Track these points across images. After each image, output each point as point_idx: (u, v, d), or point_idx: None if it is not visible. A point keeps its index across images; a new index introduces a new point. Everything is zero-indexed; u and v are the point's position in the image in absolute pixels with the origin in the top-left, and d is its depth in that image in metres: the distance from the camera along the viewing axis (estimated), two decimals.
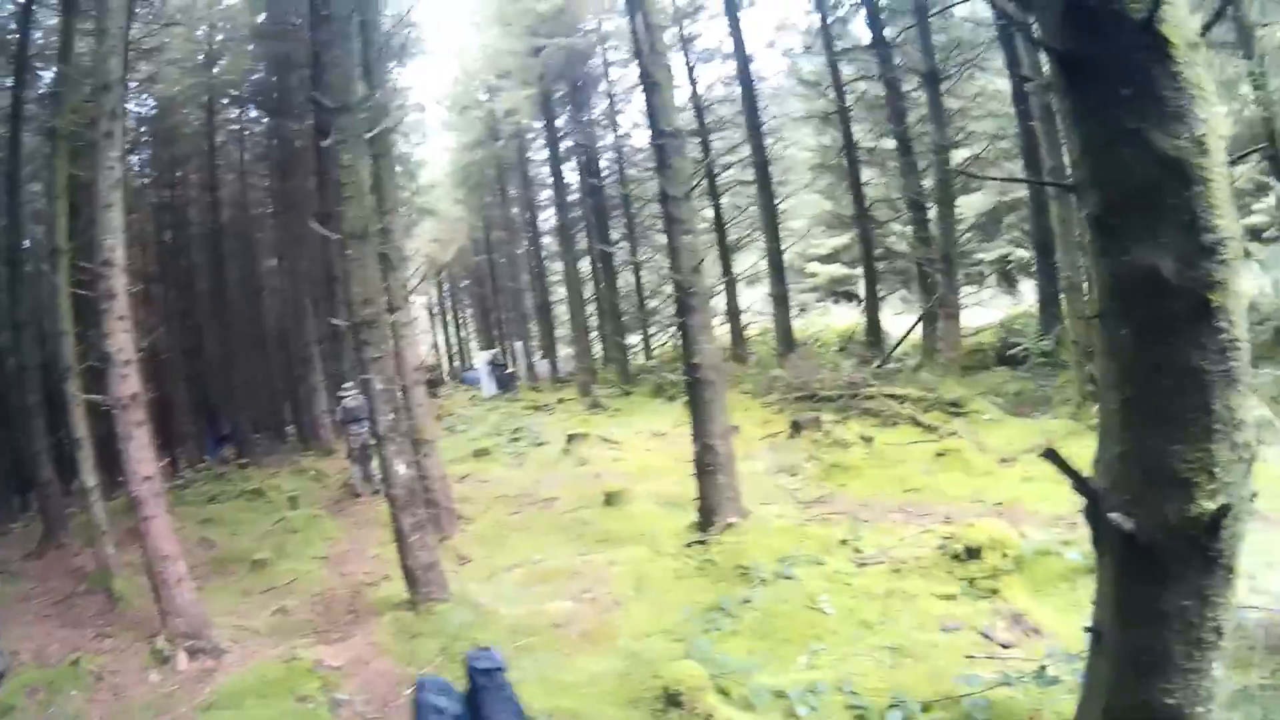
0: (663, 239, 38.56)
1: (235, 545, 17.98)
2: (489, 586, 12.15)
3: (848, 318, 37.03)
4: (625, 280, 42.04)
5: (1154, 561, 3.23)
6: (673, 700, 7.02)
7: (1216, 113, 3.08)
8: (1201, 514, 3.08)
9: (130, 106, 30.11)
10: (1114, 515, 3.25)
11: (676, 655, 7.97)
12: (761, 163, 31.30)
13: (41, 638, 13.00)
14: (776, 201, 32.02)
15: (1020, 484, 12.47)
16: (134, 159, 33.26)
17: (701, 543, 11.21)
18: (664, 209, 11.97)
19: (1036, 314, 24.10)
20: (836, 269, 42.29)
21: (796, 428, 17.76)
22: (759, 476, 15.82)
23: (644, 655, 8.31)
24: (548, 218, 46.76)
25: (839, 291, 43.10)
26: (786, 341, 29.93)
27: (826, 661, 7.55)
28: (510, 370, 47.02)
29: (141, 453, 11.30)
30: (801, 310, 38.60)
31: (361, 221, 10.76)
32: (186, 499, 23.27)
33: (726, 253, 34.52)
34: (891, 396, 18.75)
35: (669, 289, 40.66)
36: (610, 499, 15.52)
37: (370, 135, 11.71)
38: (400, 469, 11.09)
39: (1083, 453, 10.51)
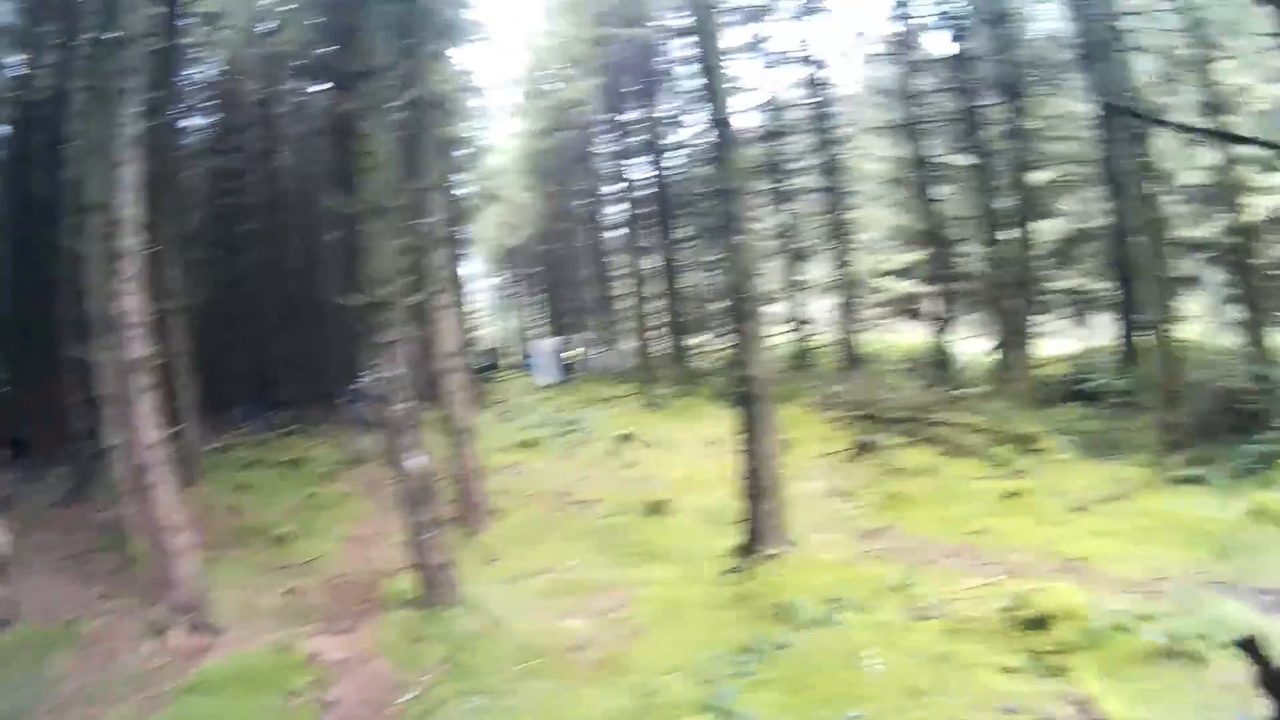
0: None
1: (262, 516, 17.76)
2: (508, 592, 11.61)
3: (914, 337, 36.31)
4: (691, 280, 41.53)
5: None
6: None
7: None
8: None
9: (190, 71, 30.20)
10: None
11: (695, 701, 7.36)
12: (832, 171, 30.69)
13: (50, 592, 12.98)
14: (846, 212, 31.26)
15: (1092, 538, 11.40)
16: (193, 122, 33.39)
17: (741, 571, 10.50)
18: (720, 204, 11.21)
19: (1113, 350, 23.10)
20: (906, 286, 41.52)
21: (858, 449, 17.01)
22: (814, 499, 14.99)
23: (659, 697, 7.65)
24: (616, 211, 46.40)
25: (907, 309, 42.30)
26: (851, 357, 29.33)
27: None
28: (571, 361, 46.82)
29: (147, 418, 11.00)
30: (869, 326, 37.96)
31: (382, 194, 10.24)
32: (223, 464, 23.21)
33: (795, 261, 33.72)
34: (959, 425, 17.83)
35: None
36: (653, 508, 15.06)
37: (395, 105, 11.00)
38: (413, 462, 10.56)
39: (1159, 507, 9.61)
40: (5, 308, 27.29)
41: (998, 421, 17.96)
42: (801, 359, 32.21)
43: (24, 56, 26.07)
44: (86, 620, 11.41)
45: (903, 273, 36.11)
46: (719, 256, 30.04)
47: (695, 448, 21.05)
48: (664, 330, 40.11)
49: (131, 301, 10.89)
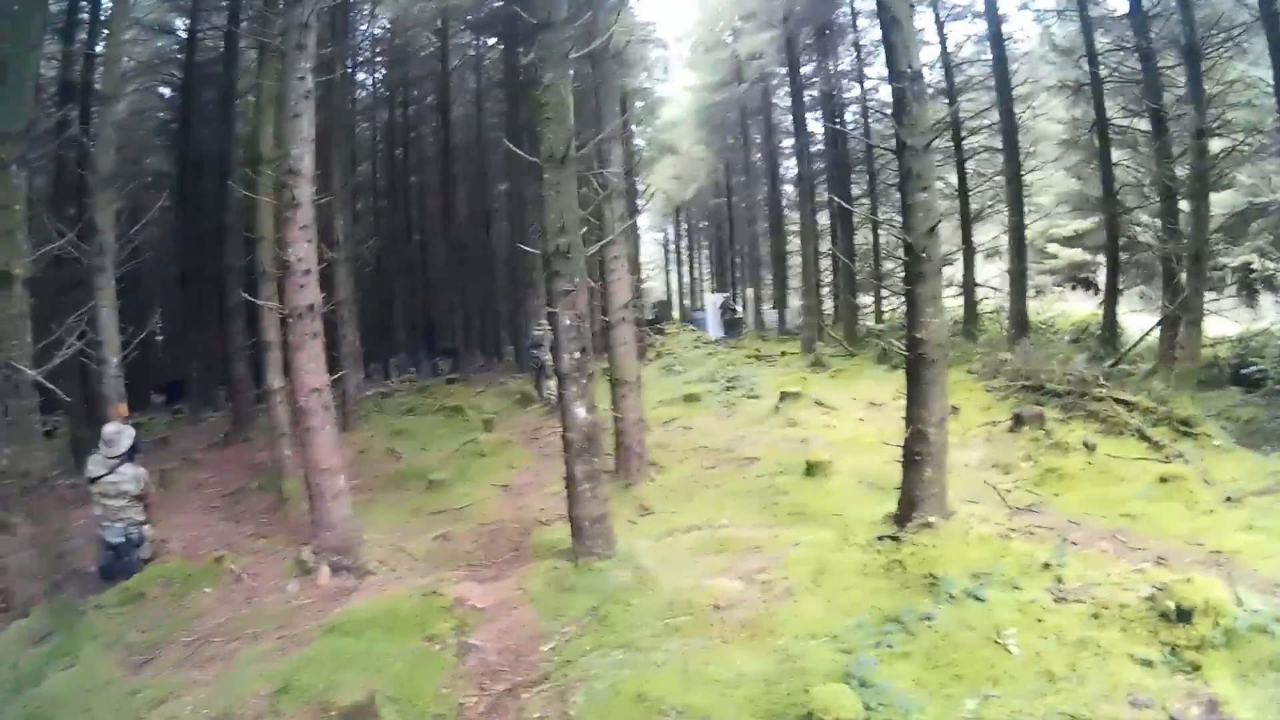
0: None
1: (420, 461, 18.48)
2: (660, 547, 11.79)
3: (1084, 307, 35.57)
4: (863, 238, 41.22)
5: None
6: None
7: None
8: None
9: (362, 28, 31.06)
10: None
11: (836, 669, 7.37)
12: (1010, 129, 30.18)
13: (199, 528, 13.84)
14: (1021, 174, 30.79)
15: (1242, 532, 11.03)
16: (365, 77, 34.51)
17: (895, 539, 10.42)
18: (899, 161, 11.06)
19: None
20: (1077, 253, 40.61)
21: (1019, 421, 16.90)
22: (969, 469, 15.00)
23: (800, 663, 7.68)
24: (789, 166, 46.24)
25: (1077, 278, 41.44)
26: (1020, 324, 28.92)
27: (997, 716, 6.70)
28: (738, 316, 46.99)
29: (311, 364, 11.51)
30: (1038, 292, 37.29)
31: (561, 145, 10.44)
32: (385, 408, 24.39)
33: (968, 221, 33.43)
34: (1121, 402, 17.40)
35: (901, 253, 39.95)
36: (811, 469, 15.02)
37: (577, 55, 11.29)
38: (580, 413, 10.81)
39: None
40: (166, 259, 28.60)
41: (1158, 401, 17.63)
42: (968, 324, 31.80)
43: (188, 21, 27.15)
44: (234, 558, 11.97)
45: (1075, 239, 35.47)
46: (899, 214, 29.94)
47: (858, 410, 21.11)
48: (833, 289, 40.03)
49: (303, 250, 11.39)
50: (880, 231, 40.15)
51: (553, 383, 21.64)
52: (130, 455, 11.72)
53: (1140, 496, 12.92)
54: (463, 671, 8.49)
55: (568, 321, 10.69)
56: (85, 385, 15.89)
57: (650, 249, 78.68)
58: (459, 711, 7.90)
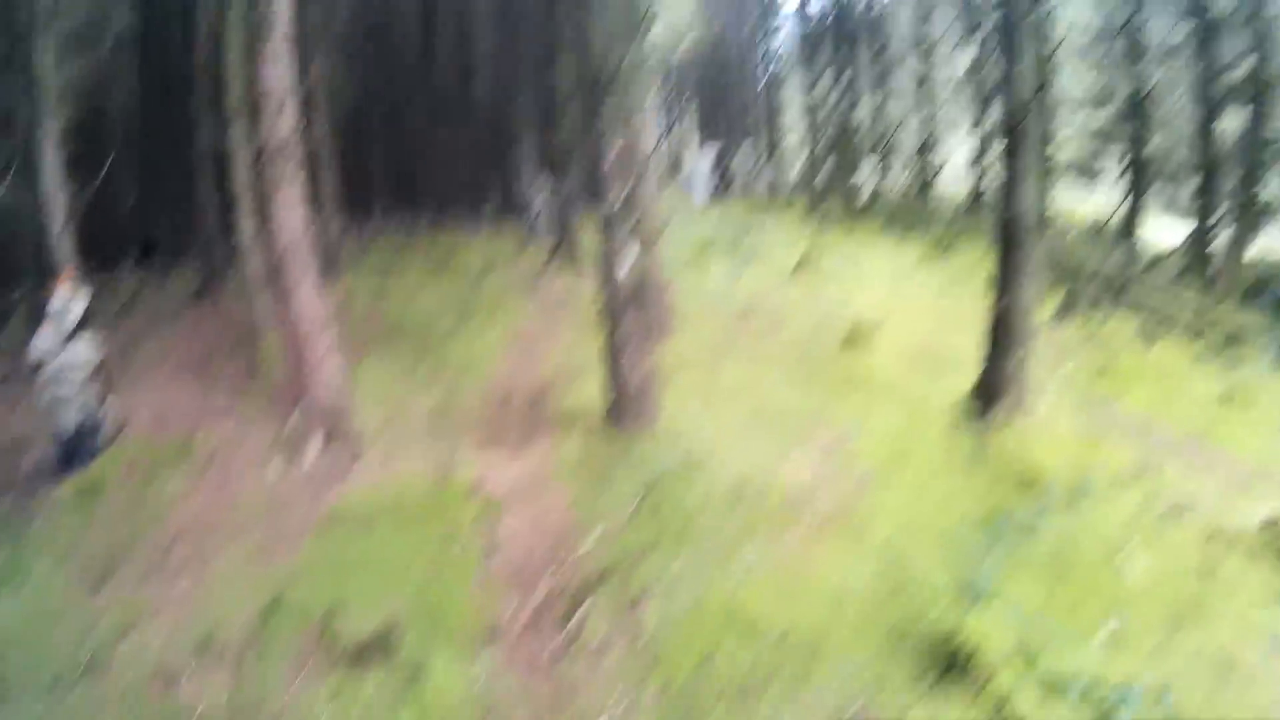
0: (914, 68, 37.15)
1: (408, 316, 16.86)
2: (704, 420, 10.50)
3: (1093, 204, 34.90)
4: (868, 104, 40.41)
5: None
6: (955, 663, 5.85)
7: None
8: None
9: None
10: None
11: (950, 580, 6.80)
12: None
13: (167, 401, 12.32)
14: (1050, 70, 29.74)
15: None
16: None
17: (979, 427, 9.95)
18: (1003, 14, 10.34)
19: None
20: (1107, 149, 40.01)
21: (1067, 307, 16.28)
22: None
23: (909, 570, 7.06)
24: (793, 23, 45.49)
25: (1084, 170, 40.81)
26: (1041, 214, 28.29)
27: (1134, 651, 6.15)
28: (728, 179, 45.92)
29: (289, 208, 10.39)
30: (1059, 183, 36.71)
31: None
32: (366, 262, 22.69)
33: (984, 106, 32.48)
34: (1162, 306, 17.04)
35: (911, 123, 39.21)
36: (851, 339, 13.80)
37: None
38: (625, 264, 9.89)
39: None
40: (134, 105, 27.25)
41: (1201, 310, 17.15)
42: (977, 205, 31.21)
43: None
44: (206, 435, 10.77)
45: (1107, 135, 34.71)
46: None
47: (880, 279, 20.01)
48: (832, 154, 39.38)
49: (276, 73, 10.16)
50: (888, 99, 39.49)
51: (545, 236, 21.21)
52: (82, 325, 10.38)
53: (1204, 404, 12.33)
54: (489, 577, 7.60)
55: (616, 154, 9.66)
56: (38, 248, 14.56)
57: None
58: (495, 633, 6.95)
